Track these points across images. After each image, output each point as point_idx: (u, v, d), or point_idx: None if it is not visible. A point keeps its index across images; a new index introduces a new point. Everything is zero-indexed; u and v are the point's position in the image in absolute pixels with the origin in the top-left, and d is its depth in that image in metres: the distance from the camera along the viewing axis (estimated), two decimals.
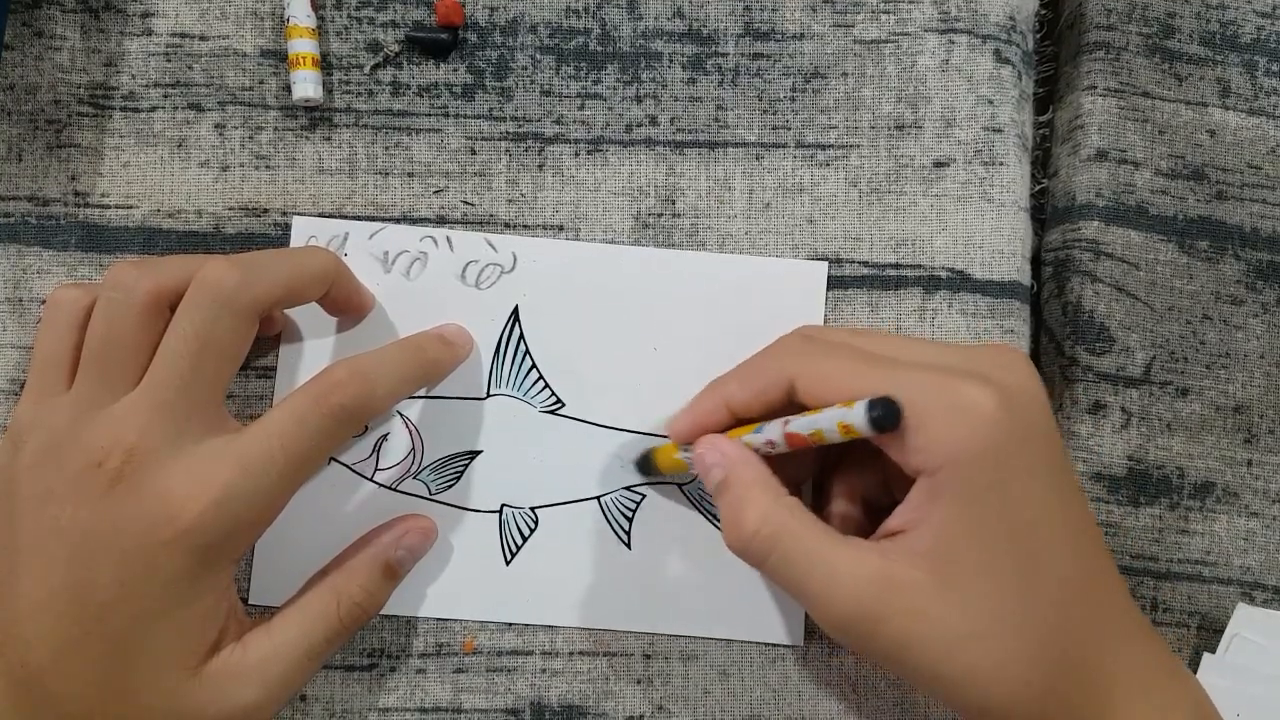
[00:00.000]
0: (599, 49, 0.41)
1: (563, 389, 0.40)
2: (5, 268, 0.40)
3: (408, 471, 0.40)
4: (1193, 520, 0.41)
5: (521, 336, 0.40)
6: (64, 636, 0.32)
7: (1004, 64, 0.42)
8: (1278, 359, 0.42)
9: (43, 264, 0.40)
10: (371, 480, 0.40)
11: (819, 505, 0.38)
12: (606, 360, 0.40)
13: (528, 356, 0.40)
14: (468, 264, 0.40)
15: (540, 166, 0.41)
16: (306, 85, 0.40)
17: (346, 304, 0.39)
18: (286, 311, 0.40)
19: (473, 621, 0.40)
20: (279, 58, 0.41)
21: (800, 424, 0.32)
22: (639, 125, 0.41)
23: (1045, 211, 0.44)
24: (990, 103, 0.41)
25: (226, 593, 0.34)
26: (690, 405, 0.36)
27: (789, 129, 0.41)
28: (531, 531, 0.40)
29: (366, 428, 0.40)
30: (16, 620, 0.32)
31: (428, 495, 0.40)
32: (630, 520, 0.40)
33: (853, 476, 0.37)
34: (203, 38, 0.41)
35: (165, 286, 0.34)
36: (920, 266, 0.41)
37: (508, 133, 0.41)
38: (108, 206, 0.41)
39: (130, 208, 0.41)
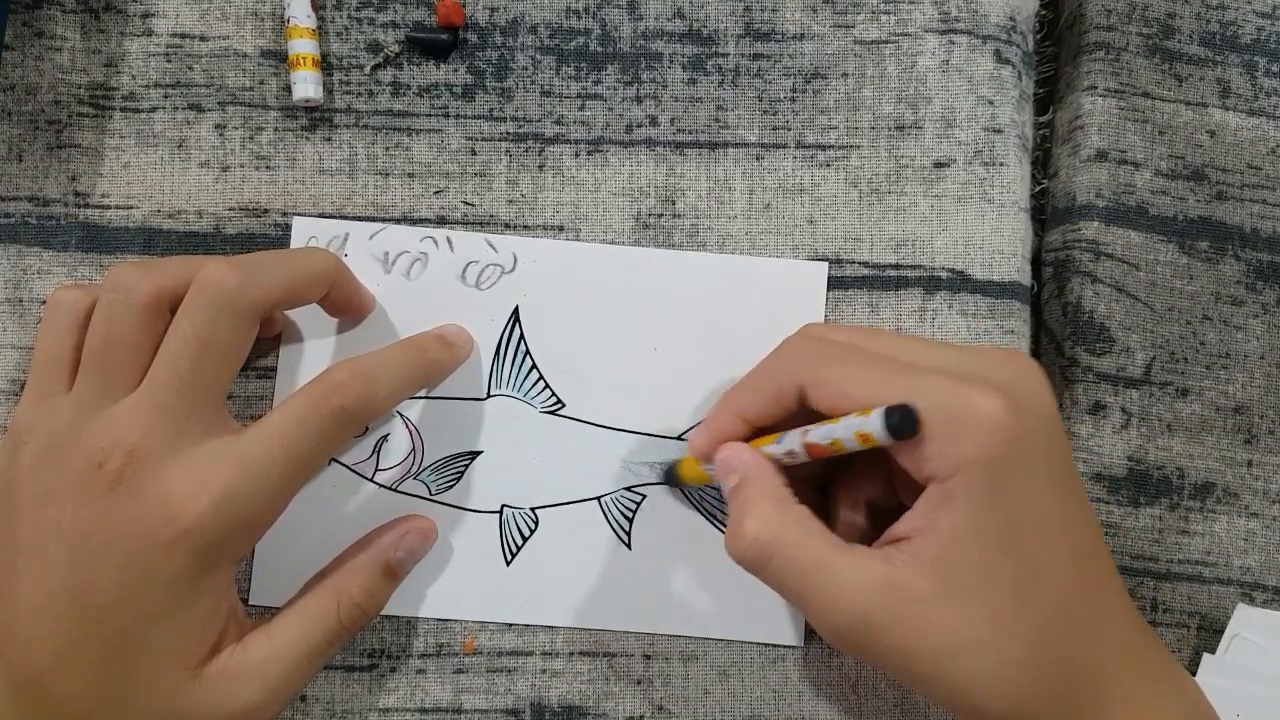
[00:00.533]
0: (599, 49, 0.41)
1: (563, 389, 0.40)
2: (5, 268, 0.40)
3: (408, 472, 0.40)
4: (1193, 521, 0.41)
5: (522, 337, 0.40)
6: (64, 638, 0.32)
7: (1004, 64, 0.42)
8: (1278, 359, 0.42)
9: (43, 264, 0.40)
10: (372, 481, 0.40)
11: (823, 509, 0.38)
12: (607, 361, 0.40)
13: (528, 357, 0.40)
14: (468, 264, 0.40)
15: (540, 167, 0.41)
16: (307, 86, 0.40)
17: (347, 305, 0.39)
18: (287, 312, 0.40)
19: (473, 622, 0.40)
20: (279, 58, 0.41)
21: (818, 434, 0.32)
22: (639, 126, 0.41)
23: (1045, 212, 0.44)
24: (990, 103, 0.41)
25: (227, 594, 0.34)
26: (706, 421, 0.36)
27: (789, 129, 0.41)
28: (532, 532, 0.40)
29: (367, 428, 0.40)
30: (17, 621, 0.32)
31: (428, 496, 0.40)
32: (630, 521, 0.40)
33: (857, 481, 0.37)
34: (203, 38, 0.41)
35: (166, 288, 0.34)
36: (920, 267, 0.41)
37: (508, 133, 0.41)
38: (108, 207, 0.41)
39: (130, 208, 0.41)
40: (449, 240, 0.40)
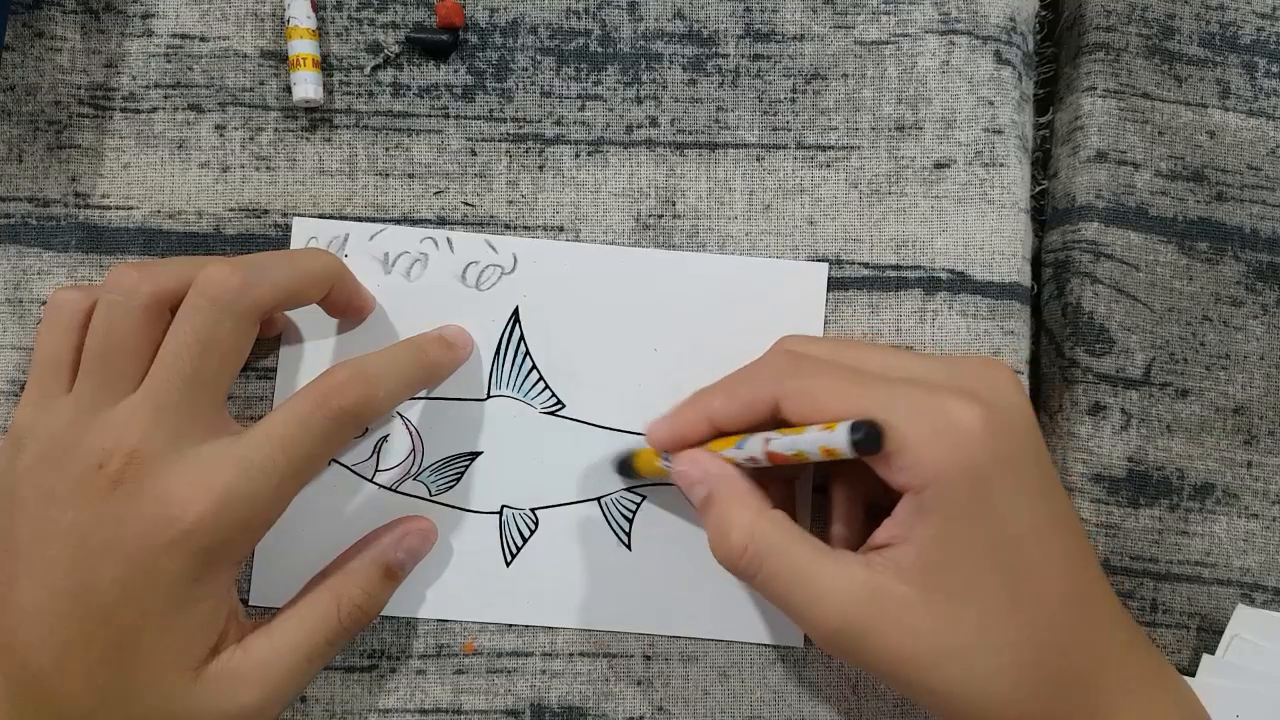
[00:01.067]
0: (599, 50, 0.41)
1: (563, 390, 0.40)
2: (5, 269, 0.40)
3: (408, 473, 0.40)
4: (1192, 521, 0.41)
5: (522, 338, 0.40)
6: (65, 639, 0.32)
7: (1004, 65, 0.42)
8: (1277, 360, 0.42)
9: (43, 265, 0.40)
10: (372, 481, 0.40)
11: (822, 509, 0.38)
12: (607, 361, 0.40)
13: (528, 358, 0.40)
14: (468, 265, 0.40)
15: (541, 168, 0.41)
16: (307, 86, 0.40)
17: (347, 305, 0.39)
18: (287, 313, 0.40)
19: (473, 623, 0.40)
20: (279, 59, 0.41)
21: (783, 444, 0.32)
22: (639, 126, 0.41)
23: (1045, 213, 0.44)
24: (990, 104, 0.41)
25: (227, 595, 0.34)
26: (672, 415, 0.36)
27: (789, 130, 0.41)
28: (532, 533, 0.40)
29: (367, 429, 0.40)
30: (17, 623, 0.32)
31: (428, 496, 0.40)
32: (630, 521, 0.40)
33: (855, 480, 0.37)
34: (203, 39, 0.41)
35: (166, 289, 0.34)
36: (920, 268, 0.41)
37: (508, 134, 0.41)
38: (108, 207, 0.41)
39: (130, 209, 0.41)
40: (449, 241, 0.40)
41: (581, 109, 0.41)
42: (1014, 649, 0.31)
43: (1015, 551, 0.32)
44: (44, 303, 0.39)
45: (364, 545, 0.38)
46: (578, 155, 0.41)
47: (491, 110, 0.41)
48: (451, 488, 0.40)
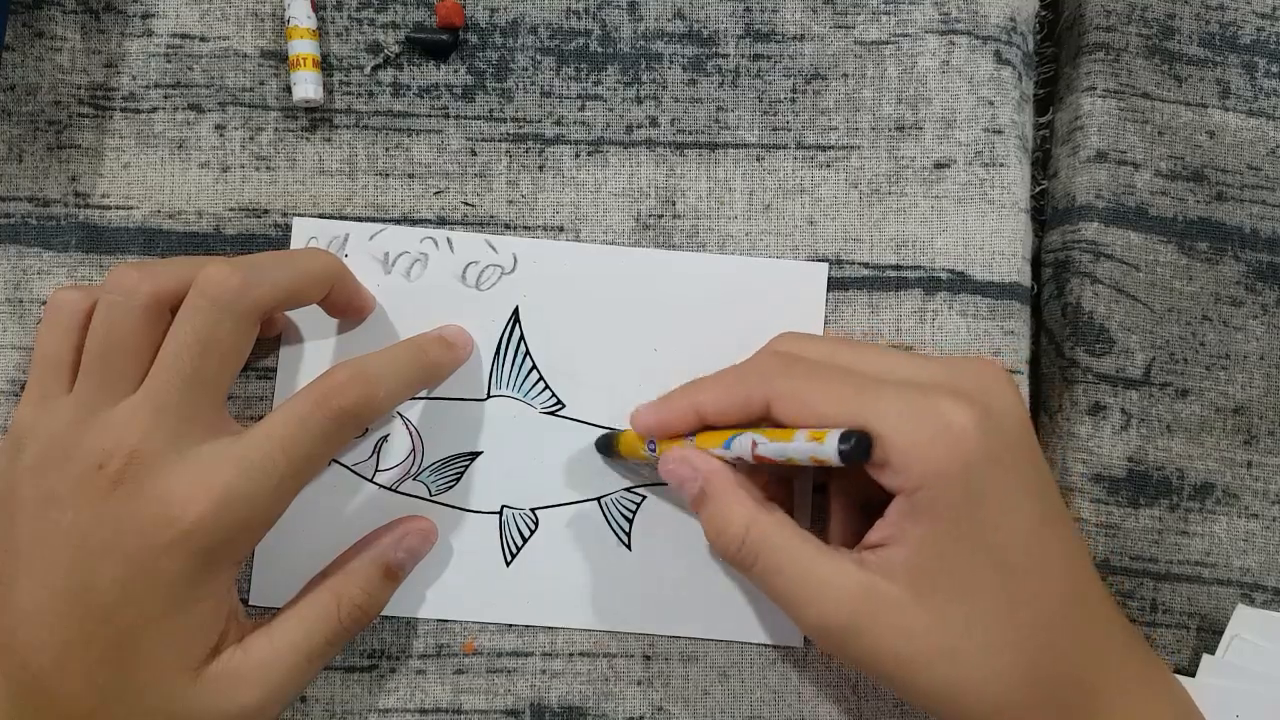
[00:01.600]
0: (599, 50, 0.41)
1: (563, 390, 0.40)
2: (5, 269, 0.40)
3: (408, 473, 0.40)
4: (1192, 521, 0.41)
5: (522, 337, 0.40)
6: (65, 639, 0.32)
7: (1004, 65, 0.42)
8: (1277, 360, 0.42)
9: (43, 265, 0.40)
10: (372, 481, 0.40)
11: (822, 508, 0.38)
12: (607, 361, 0.40)
13: (528, 357, 0.40)
14: (468, 265, 0.40)
15: (541, 168, 0.41)
16: (307, 86, 0.40)
17: (347, 305, 0.39)
18: (287, 313, 0.40)
19: (473, 622, 0.40)
20: (279, 59, 0.41)
21: (771, 449, 0.32)
22: (639, 126, 0.41)
23: (1045, 213, 0.44)
24: (990, 104, 0.41)
25: (227, 595, 0.34)
26: (660, 403, 0.36)
27: (789, 130, 0.41)
28: (532, 533, 0.40)
29: (367, 429, 0.40)
30: (17, 623, 0.32)
31: (428, 496, 0.40)
32: (630, 521, 0.40)
33: (852, 479, 0.37)
34: (203, 39, 0.41)
35: (166, 289, 0.34)
36: (920, 268, 0.41)
37: (508, 134, 0.41)
38: (108, 207, 0.41)
39: (130, 209, 0.41)
40: (449, 241, 0.40)
41: (581, 109, 0.41)
42: (1009, 650, 0.31)
43: (1009, 552, 0.31)
44: (44, 303, 0.39)
45: (364, 545, 0.38)
46: (578, 155, 0.41)
47: (491, 110, 0.41)
48: (451, 488, 0.40)
